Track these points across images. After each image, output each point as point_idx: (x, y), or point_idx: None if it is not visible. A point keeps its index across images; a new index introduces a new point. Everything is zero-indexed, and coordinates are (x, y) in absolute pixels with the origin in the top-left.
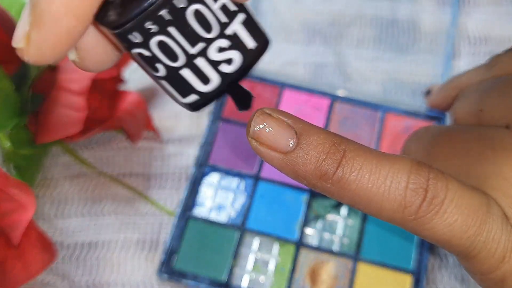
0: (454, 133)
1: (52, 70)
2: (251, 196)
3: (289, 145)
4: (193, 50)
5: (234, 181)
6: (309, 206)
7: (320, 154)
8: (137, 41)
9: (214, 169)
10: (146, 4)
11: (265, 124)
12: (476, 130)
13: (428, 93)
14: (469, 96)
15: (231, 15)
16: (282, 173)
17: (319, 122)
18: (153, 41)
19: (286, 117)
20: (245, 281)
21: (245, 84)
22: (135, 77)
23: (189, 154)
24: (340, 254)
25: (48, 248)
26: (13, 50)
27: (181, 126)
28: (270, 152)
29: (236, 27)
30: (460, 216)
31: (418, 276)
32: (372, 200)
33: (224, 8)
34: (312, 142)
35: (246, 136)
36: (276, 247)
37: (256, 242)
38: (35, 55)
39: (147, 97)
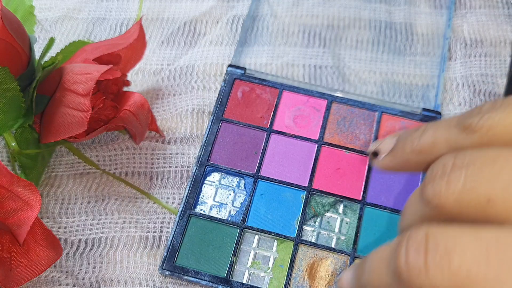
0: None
1: (57, 71)
2: (251, 194)
3: None
4: None
5: (234, 180)
6: (307, 204)
7: None
8: None
9: (215, 168)
10: None
11: None
12: (495, 234)
13: (375, 154)
14: (459, 178)
15: None
16: None
17: (318, 122)
18: None
19: None
20: (245, 277)
21: (245, 86)
22: (138, 78)
23: (191, 154)
24: (337, 250)
25: (54, 246)
26: (19, 51)
27: (182, 127)
28: None
29: None
30: None
31: None
32: None
33: None
34: None
35: (245, 136)
36: (275, 244)
37: (255, 239)
38: None
39: (150, 98)
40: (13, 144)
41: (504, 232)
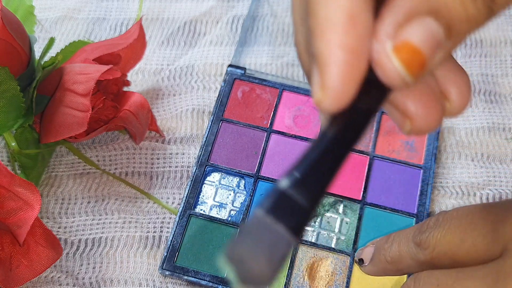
0: None
1: (57, 71)
2: (251, 194)
3: None
4: None
5: (234, 180)
6: None
7: None
8: None
9: (215, 168)
10: None
11: None
12: None
13: (360, 261)
14: None
15: None
16: None
17: (318, 122)
18: None
19: None
20: None
21: (245, 86)
22: (138, 78)
23: (191, 154)
24: (337, 250)
25: (54, 246)
26: (19, 51)
27: (182, 127)
28: None
29: None
30: None
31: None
32: None
33: None
34: None
35: (245, 136)
36: None
37: None
38: (331, 101)
39: (150, 98)
40: (13, 144)
41: None
